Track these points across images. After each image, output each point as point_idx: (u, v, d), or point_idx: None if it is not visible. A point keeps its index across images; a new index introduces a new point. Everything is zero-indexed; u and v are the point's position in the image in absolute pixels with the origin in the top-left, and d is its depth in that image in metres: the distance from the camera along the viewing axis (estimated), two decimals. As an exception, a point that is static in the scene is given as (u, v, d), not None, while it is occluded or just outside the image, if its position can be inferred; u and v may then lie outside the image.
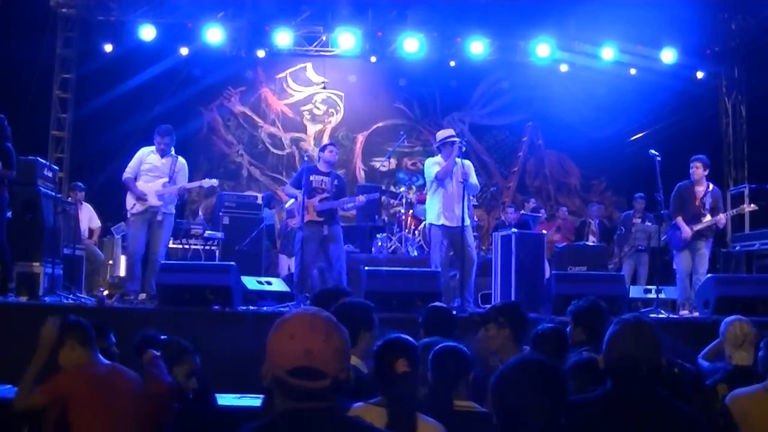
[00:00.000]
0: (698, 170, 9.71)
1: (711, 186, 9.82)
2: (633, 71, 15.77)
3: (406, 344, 3.65)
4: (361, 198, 10.02)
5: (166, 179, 9.32)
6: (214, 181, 10.23)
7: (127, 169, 9.36)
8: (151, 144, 9.46)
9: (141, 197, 9.16)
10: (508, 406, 2.87)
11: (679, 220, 9.60)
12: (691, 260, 9.61)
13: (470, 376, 3.75)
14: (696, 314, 8.89)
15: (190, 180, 9.93)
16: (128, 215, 9.36)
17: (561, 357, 4.37)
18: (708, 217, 9.59)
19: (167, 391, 4.55)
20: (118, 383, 4.52)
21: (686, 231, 9.51)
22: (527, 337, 4.74)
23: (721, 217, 9.76)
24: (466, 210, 9.14)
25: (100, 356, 4.67)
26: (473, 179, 9.33)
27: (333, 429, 2.23)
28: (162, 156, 9.40)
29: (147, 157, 9.39)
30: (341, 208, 10.09)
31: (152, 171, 9.34)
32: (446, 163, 9.23)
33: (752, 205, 10.34)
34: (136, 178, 9.30)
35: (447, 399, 3.62)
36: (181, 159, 9.57)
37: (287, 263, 12.24)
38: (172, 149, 9.52)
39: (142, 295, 9.18)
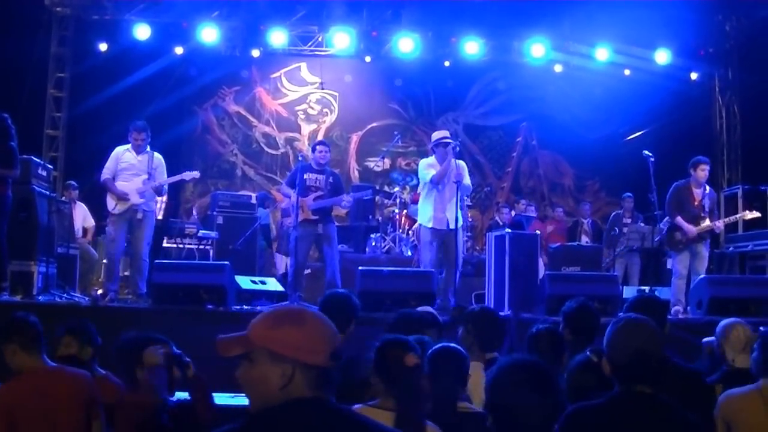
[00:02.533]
0: (705, 172, 9.58)
1: (708, 188, 9.78)
2: (627, 72, 15.80)
3: (411, 343, 3.53)
4: (348, 198, 9.98)
5: (146, 176, 9.23)
6: (195, 173, 10.16)
7: (105, 171, 9.25)
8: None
9: (122, 197, 9.07)
10: (502, 407, 2.87)
11: (680, 220, 9.52)
12: (688, 262, 9.59)
13: (467, 377, 3.74)
14: (688, 315, 8.92)
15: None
16: (109, 216, 9.27)
17: (558, 357, 4.37)
18: (707, 222, 9.52)
19: (151, 404, 4.10)
20: (59, 389, 4.32)
21: (691, 230, 9.47)
22: (505, 342, 4.73)
23: (720, 224, 9.78)
24: (459, 211, 9.18)
25: (46, 358, 4.49)
26: (466, 180, 9.35)
27: (339, 418, 2.29)
28: (138, 153, 9.29)
29: (123, 155, 9.27)
30: (338, 206, 10.08)
31: (129, 169, 9.23)
32: (441, 166, 9.24)
33: (754, 212, 10.26)
34: (114, 179, 9.20)
35: (451, 401, 3.58)
36: (157, 155, 9.46)
37: (284, 262, 12.22)
38: (148, 146, 9.42)
39: (129, 296, 9.18)
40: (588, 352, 4.15)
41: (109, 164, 9.28)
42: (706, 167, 9.64)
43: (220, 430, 2.30)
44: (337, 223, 10.30)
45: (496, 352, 4.61)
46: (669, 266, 10.25)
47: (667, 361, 3.31)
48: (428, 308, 5.61)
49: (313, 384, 2.25)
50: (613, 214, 13.19)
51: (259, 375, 2.26)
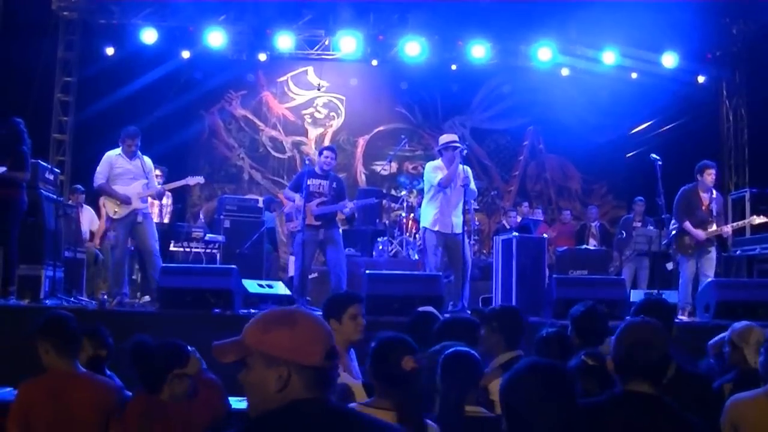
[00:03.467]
0: (712, 177, 9.62)
1: (715, 192, 9.78)
2: (634, 75, 15.76)
3: (409, 342, 3.49)
4: (351, 204, 9.95)
5: (145, 180, 9.26)
6: (200, 179, 10.17)
7: (98, 176, 9.18)
8: (139, 147, 9.33)
9: (125, 201, 9.07)
10: (517, 410, 2.85)
11: (688, 225, 9.52)
12: (695, 265, 9.58)
13: (479, 380, 3.71)
14: (696, 318, 8.90)
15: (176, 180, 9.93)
16: (109, 222, 9.27)
17: (566, 361, 4.36)
18: (714, 227, 9.53)
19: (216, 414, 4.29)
20: (80, 397, 4.31)
21: (699, 235, 9.46)
22: (522, 342, 4.71)
23: (728, 229, 9.77)
24: (465, 215, 9.17)
25: (78, 364, 4.51)
26: (472, 185, 9.35)
27: (342, 418, 2.29)
28: (131, 158, 9.28)
29: (117, 161, 9.23)
30: (340, 212, 10.06)
31: (126, 174, 9.21)
32: (448, 170, 9.22)
33: (762, 217, 10.24)
34: (107, 183, 9.18)
35: (458, 405, 3.54)
36: (147, 158, 9.46)
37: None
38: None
39: (146, 298, 9.16)
40: (582, 356, 4.13)
41: (103, 169, 9.21)
42: (713, 171, 9.64)
43: None
44: (342, 227, 10.30)
45: (519, 350, 4.59)
46: (670, 268, 10.22)
47: (670, 359, 3.29)
48: (430, 308, 5.60)
49: (311, 385, 2.24)
50: (623, 217, 13.21)
51: (256, 379, 2.25)
